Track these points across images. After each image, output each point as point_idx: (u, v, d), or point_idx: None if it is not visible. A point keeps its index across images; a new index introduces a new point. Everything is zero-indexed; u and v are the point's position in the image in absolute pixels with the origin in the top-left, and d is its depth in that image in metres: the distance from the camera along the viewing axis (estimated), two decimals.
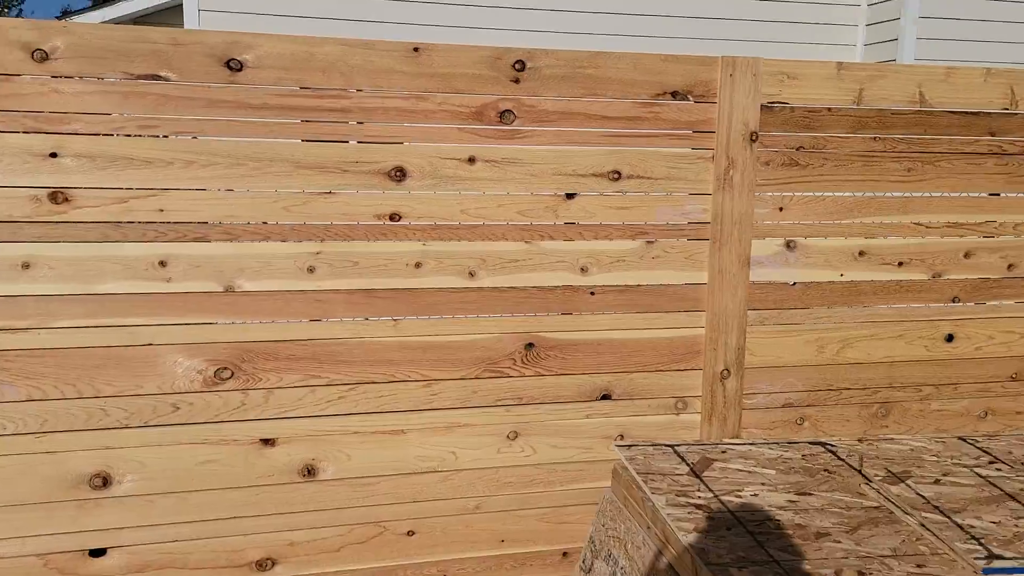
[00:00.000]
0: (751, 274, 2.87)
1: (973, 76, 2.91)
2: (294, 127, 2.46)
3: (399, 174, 2.55)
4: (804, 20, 7.05)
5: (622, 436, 2.80)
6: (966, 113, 2.93)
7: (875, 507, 1.88)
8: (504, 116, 2.61)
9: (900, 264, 2.97)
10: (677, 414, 2.84)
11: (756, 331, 2.90)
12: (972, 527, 1.73)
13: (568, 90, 2.64)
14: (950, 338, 3.04)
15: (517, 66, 2.59)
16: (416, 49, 2.52)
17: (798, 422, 2.95)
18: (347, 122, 2.49)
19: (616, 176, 2.72)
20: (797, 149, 2.85)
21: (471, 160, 2.60)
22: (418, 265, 2.60)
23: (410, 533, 2.68)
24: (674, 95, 2.72)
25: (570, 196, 2.70)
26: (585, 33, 6.24)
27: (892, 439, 2.36)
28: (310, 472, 2.58)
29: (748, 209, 2.83)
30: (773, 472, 2.13)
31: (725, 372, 2.86)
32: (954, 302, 3.03)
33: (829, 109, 2.84)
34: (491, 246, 2.66)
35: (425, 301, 2.62)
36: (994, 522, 1.76)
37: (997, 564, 1.61)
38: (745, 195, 2.82)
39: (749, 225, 2.84)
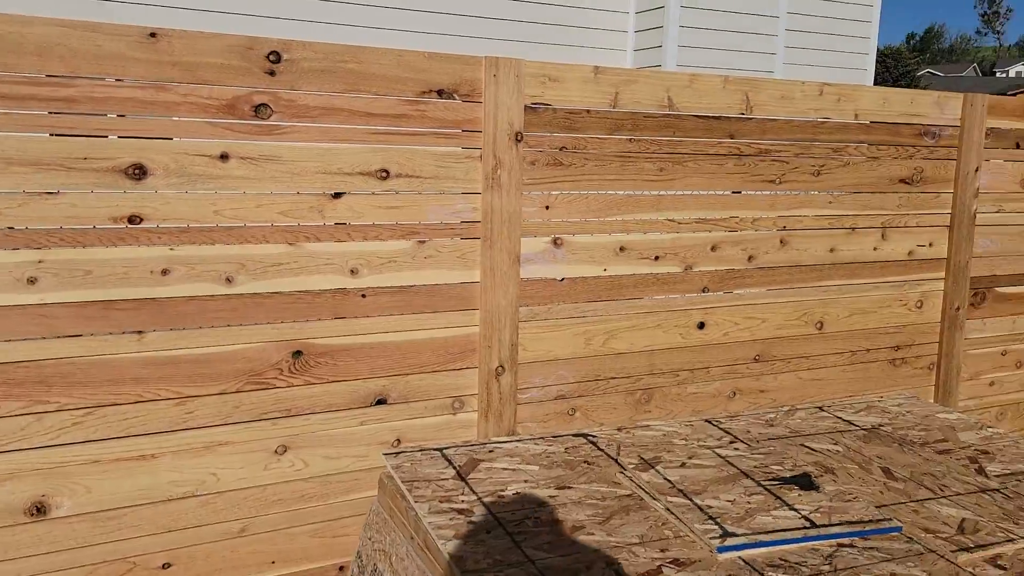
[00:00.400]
0: (521, 271, 2.93)
1: (714, 83, 3.17)
2: (3, 118, 2.13)
3: (138, 172, 2.31)
4: (579, 25, 7.39)
5: (399, 441, 2.75)
6: (708, 117, 3.18)
7: (628, 495, 1.98)
8: (260, 110, 2.44)
9: (656, 258, 3.17)
10: (455, 414, 2.84)
11: (528, 327, 2.96)
12: (710, 507, 1.87)
13: (330, 85, 2.53)
14: (702, 325, 3.30)
15: (272, 57, 2.44)
16: (153, 34, 2.29)
17: (570, 413, 3.06)
18: (71, 113, 2.21)
19: (385, 175, 2.66)
20: (560, 149, 2.94)
21: (224, 157, 2.42)
22: (165, 272, 2.37)
23: (165, 566, 2.45)
24: (440, 93, 2.70)
25: (337, 196, 2.59)
26: (347, 25, 5.95)
27: (648, 426, 2.51)
28: (40, 510, 2.27)
29: (517, 208, 2.88)
30: (537, 468, 2.18)
31: (500, 369, 2.89)
32: (704, 292, 3.29)
33: (588, 111, 2.96)
34: (251, 249, 2.49)
35: (175, 311, 2.40)
36: (729, 500, 1.92)
37: (730, 542, 1.75)
38: (513, 194, 2.86)
39: (518, 223, 2.89)
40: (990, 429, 2.53)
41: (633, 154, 3.07)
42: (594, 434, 2.41)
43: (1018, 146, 3.85)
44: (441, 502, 1.95)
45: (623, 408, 3.17)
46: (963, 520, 1.88)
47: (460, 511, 1.91)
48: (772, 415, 2.73)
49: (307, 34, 5.64)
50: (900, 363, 3.75)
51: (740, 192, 3.31)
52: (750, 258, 3.36)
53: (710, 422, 2.57)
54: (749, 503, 1.89)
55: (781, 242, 3.41)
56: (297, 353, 2.57)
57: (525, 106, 2.85)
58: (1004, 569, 1.64)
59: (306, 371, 2.60)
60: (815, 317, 3.52)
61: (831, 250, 3.52)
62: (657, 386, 3.23)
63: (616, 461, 2.17)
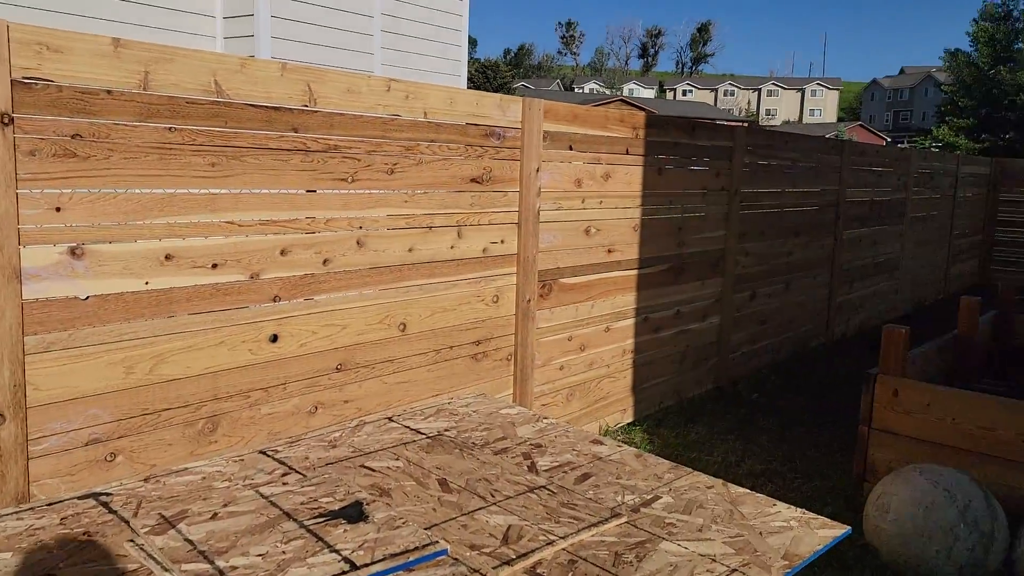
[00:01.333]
0: (25, 291, 2.31)
1: (270, 69, 2.86)
2: None
3: None
4: (158, 4, 6.52)
5: None
6: (268, 108, 2.86)
7: (133, 571, 1.57)
8: None
9: (214, 266, 2.77)
10: None
11: (41, 360, 2.35)
12: (235, 569, 1.56)
13: None
14: (275, 338, 2.98)
15: None
16: None
17: (109, 459, 2.51)
18: None
19: None
20: (74, 137, 2.38)
21: None
22: None
23: None
24: None
25: None
26: None
27: (186, 469, 2.11)
28: None
29: (10, 209, 2.25)
30: (9, 555, 1.65)
31: None
32: (276, 301, 2.97)
33: (110, 92, 2.44)
34: None
35: None
36: (260, 555, 1.63)
37: None
38: (3, 192, 2.23)
39: (14, 230, 2.27)
40: (545, 420, 2.64)
41: (176, 146, 2.62)
42: (109, 492, 1.93)
43: (571, 148, 4.22)
44: None
45: (182, 443, 2.71)
46: (508, 528, 1.85)
47: None
48: (337, 433, 2.53)
49: None
50: (482, 357, 3.86)
51: (315, 191, 3.06)
52: (326, 261, 3.13)
53: (264, 452, 2.26)
54: (284, 553, 1.62)
55: (358, 243, 3.24)
56: None
57: (14, 80, 2.24)
58: None
59: None
60: (398, 319, 3.43)
61: (410, 250, 3.45)
62: (224, 412, 2.84)
63: (129, 525, 1.74)
